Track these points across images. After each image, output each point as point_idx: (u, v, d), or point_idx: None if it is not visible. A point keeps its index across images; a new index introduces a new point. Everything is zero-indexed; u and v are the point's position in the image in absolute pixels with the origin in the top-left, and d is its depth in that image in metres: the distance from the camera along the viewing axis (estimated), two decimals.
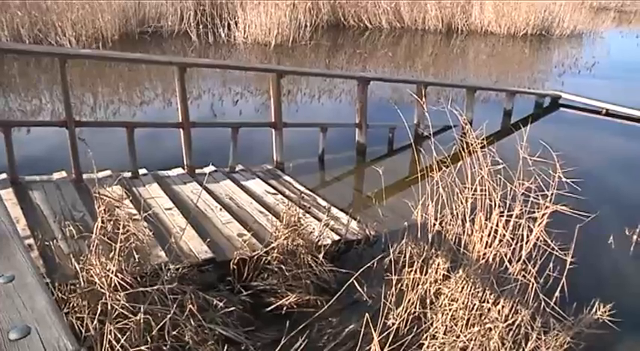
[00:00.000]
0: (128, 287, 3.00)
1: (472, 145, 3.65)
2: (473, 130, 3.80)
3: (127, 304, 2.89)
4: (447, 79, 12.23)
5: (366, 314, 2.76)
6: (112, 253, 3.11)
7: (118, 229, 3.17)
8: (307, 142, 6.82)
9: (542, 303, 3.15)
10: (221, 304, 3.32)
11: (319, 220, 4.55)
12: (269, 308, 3.74)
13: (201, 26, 15.06)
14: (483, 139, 3.68)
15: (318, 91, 10.18)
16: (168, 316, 2.91)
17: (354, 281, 2.99)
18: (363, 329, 2.90)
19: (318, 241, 4.20)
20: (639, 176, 7.35)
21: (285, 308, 3.75)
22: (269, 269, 3.97)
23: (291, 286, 3.91)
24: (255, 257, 3.94)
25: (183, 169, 5.59)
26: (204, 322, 3.14)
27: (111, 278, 2.99)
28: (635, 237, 5.15)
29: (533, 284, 3.08)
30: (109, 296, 2.88)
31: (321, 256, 4.03)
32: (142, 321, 2.89)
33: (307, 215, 4.63)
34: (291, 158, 6.41)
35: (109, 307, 2.86)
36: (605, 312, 3.11)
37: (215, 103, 9.13)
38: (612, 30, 24.37)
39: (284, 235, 4.00)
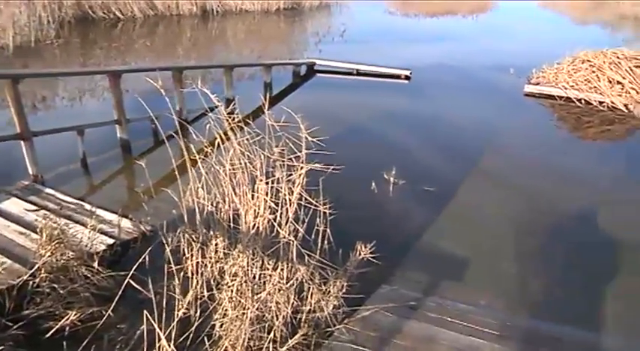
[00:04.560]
0: None
1: (230, 122, 3.70)
2: (235, 107, 3.85)
3: None
4: (212, 61, 12.23)
5: (154, 311, 2.68)
6: None
7: None
8: (69, 148, 6.30)
9: (318, 256, 3.38)
10: None
11: (87, 226, 4.25)
12: (49, 334, 3.42)
13: None
14: (247, 116, 3.76)
15: (78, 92, 9.42)
16: None
17: (131, 281, 2.88)
18: (156, 327, 2.81)
19: (91, 249, 3.93)
20: (391, 124, 8.22)
21: (67, 328, 3.47)
22: (40, 292, 3.61)
23: (70, 303, 3.62)
24: (20, 284, 3.55)
25: None
26: None
27: None
28: (392, 179, 5.76)
29: (293, 242, 3.25)
30: None
31: (96, 264, 3.80)
32: None
33: (73, 224, 4.30)
34: (52, 168, 5.89)
35: None
36: (367, 252, 3.43)
37: None
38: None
39: (49, 251, 3.67)
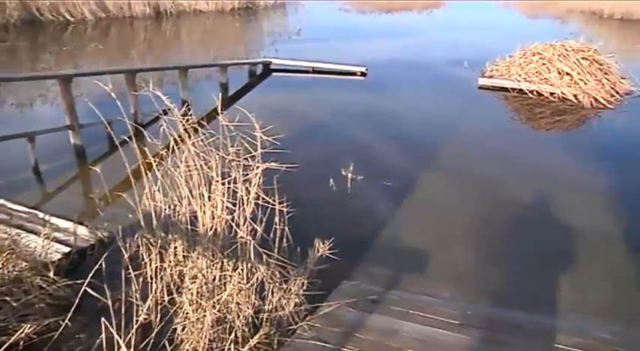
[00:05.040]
0: None
1: (185, 125, 3.67)
2: (190, 108, 3.82)
3: None
4: (167, 63, 12.05)
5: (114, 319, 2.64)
6: None
7: None
8: (19, 156, 6.13)
9: (277, 255, 3.39)
10: None
11: (41, 235, 4.14)
12: (1, 349, 3.32)
13: None
14: (202, 117, 3.73)
15: (28, 98, 9.16)
16: None
17: (88, 289, 2.83)
18: (115, 335, 2.77)
19: (45, 258, 3.84)
20: (348, 120, 8.28)
21: (22, 342, 3.37)
22: None
23: (25, 316, 3.52)
24: None
25: None
26: None
27: None
28: (350, 175, 5.80)
29: (252, 242, 3.25)
30: None
31: (51, 273, 3.71)
32: None
33: (25, 234, 4.19)
34: (1, 177, 5.72)
35: None
36: (326, 248, 3.44)
37: None
38: None
39: None
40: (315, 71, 11.24)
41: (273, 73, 11.13)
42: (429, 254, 4.50)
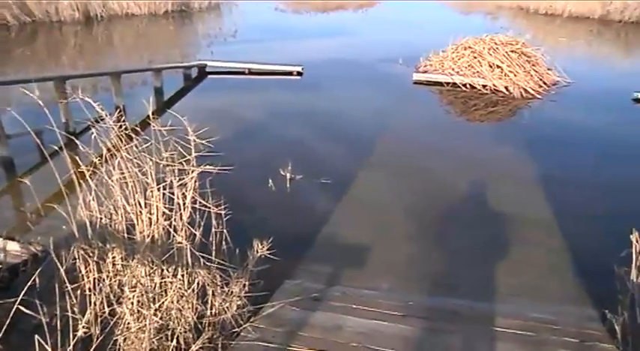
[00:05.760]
0: None
1: (118, 132, 3.59)
2: (123, 115, 3.74)
3: None
4: (100, 69, 11.71)
5: (49, 336, 2.56)
6: None
7: None
8: None
9: (217, 259, 3.37)
10: None
11: None
12: None
13: None
14: (136, 123, 3.66)
15: None
16: None
17: (21, 307, 2.73)
18: None
19: None
20: (285, 120, 8.32)
21: None
22: None
23: None
24: None
25: None
26: None
27: None
28: (288, 175, 5.83)
29: (187, 246, 3.23)
30: None
31: None
32: None
33: None
34: None
35: None
36: (265, 249, 3.46)
37: None
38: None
39: None
40: (251, 72, 11.22)
41: (209, 76, 11.03)
42: (369, 249, 4.57)
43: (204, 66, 11.14)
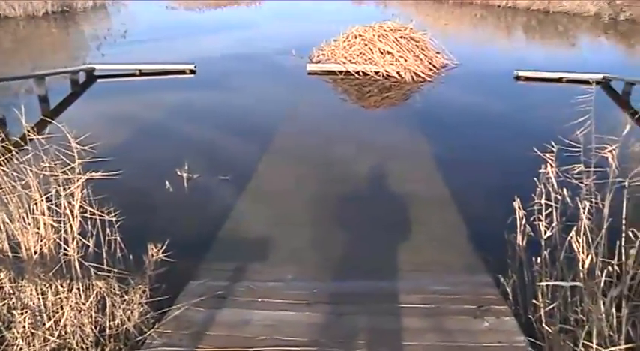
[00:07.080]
0: None
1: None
2: (5, 126, 3.51)
3: None
4: None
5: None
6: None
7: None
8: None
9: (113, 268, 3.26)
10: None
11: None
12: None
13: None
14: (18, 135, 3.44)
15: None
16: None
17: None
18: None
19: None
20: (180, 119, 8.15)
21: None
22: None
23: None
24: None
25: None
26: None
27: None
28: (185, 175, 5.73)
29: (77, 257, 3.11)
30: None
31: None
32: None
33: None
34: None
35: None
36: (160, 251, 3.39)
37: None
38: None
39: None
40: (142, 73, 10.87)
41: (99, 80, 10.55)
42: (271, 240, 4.57)
43: (92, 70, 10.65)
